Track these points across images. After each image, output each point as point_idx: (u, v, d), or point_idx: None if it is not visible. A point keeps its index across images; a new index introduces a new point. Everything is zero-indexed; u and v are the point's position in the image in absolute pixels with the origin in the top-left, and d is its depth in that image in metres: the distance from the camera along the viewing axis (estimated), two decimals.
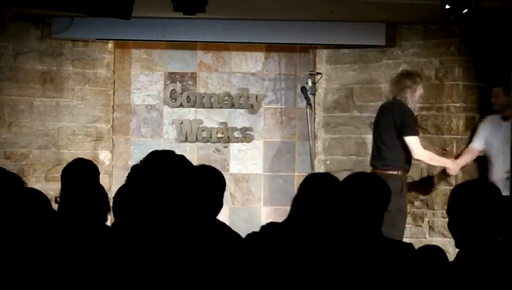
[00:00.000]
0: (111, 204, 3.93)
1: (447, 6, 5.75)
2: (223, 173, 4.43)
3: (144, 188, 2.33)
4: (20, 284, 2.91)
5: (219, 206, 4.26)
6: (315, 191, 3.87)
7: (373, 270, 3.35)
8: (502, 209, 3.17)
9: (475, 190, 3.20)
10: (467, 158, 7.09)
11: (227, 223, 4.45)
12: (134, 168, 2.37)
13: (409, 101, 6.71)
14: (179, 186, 2.34)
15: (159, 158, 2.38)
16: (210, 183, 4.21)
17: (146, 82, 7.93)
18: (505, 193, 6.09)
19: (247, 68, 7.97)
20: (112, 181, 7.68)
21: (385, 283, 3.35)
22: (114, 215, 3.30)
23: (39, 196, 3.17)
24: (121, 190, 3.25)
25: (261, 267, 3.50)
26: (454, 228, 3.17)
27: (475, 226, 3.11)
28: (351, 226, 3.47)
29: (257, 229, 4.13)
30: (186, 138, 7.89)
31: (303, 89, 7.13)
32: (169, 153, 2.39)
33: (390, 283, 3.35)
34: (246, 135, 7.94)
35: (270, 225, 3.99)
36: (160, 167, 2.35)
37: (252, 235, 3.96)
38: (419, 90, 6.79)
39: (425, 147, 7.01)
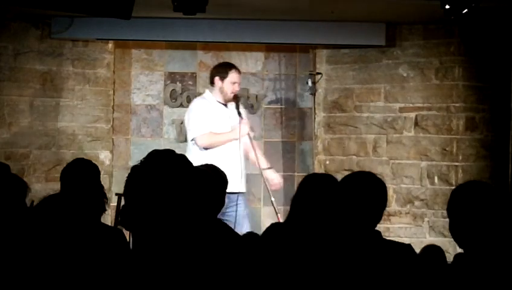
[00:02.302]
0: (112, 203, 3.94)
1: (447, 6, 5.76)
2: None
3: (145, 187, 2.34)
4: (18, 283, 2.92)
5: (220, 205, 4.28)
6: (314, 191, 3.87)
7: (373, 271, 3.36)
8: (505, 211, 3.16)
9: (477, 191, 3.18)
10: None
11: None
12: (135, 168, 2.37)
13: None
14: (179, 186, 2.34)
15: (160, 157, 2.38)
16: (212, 182, 4.22)
17: (146, 82, 7.93)
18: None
19: (247, 68, 7.96)
20: (112, 181, 7.68)
21: (385, 283, 3.35)
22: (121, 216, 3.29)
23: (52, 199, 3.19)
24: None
25: (261, 267, 3.50)
26: (455, 230, 3.16)
27: (477, 228, 3.09)
28: (348, 226, 3.47)
29: (257, 229, 4.14)
30: (186, 138, 7.88)
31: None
32: (170, 153, 2.39)
33: (390, 284, 3.35)
34: None
35: (273, 226, 4.01)
36: (160, 166, 2.35)
37: (249, 235, 3.98)
38: None
39: (425, 147, 7.01)
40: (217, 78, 6.38)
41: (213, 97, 6.41)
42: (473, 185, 3.31)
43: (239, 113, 6.31)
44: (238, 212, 6.20)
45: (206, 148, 6.28)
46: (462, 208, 3.11)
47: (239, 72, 6.51)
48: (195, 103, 6.47)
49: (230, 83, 6.36)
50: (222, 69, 6.46)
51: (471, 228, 3.07)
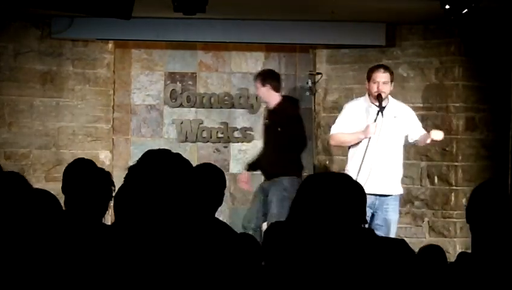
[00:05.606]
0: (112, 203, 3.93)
1: (447, 6, 5.76)
2: None
3: (142, 187, 2.34)
4: (22, 283, 2.92)
5: (218, 203, 4.29)
6: (314, 192, 3.87)
7: (368, 267, 3.36)
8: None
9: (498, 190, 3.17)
10: None
11: (227, 223, 4.46)
12: (132, 168, 2.38)
13: None
14: (176, 184, 2.34)
15: (155, 157, 2.38)
16: (210, 180, 4.23)
17: (146, 82, 7.93)
18: None
19: (247, 68, 7.97)
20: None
21: (381, 279, 3.35)
22: (115, 215, 3.30)
23: (48, 197, 3.19)
24: (121, 190, 3.25)
25: (258, 266, 3.51)
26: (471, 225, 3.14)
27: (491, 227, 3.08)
28: (338, 225, 3.48)
29: None
30: (186, 138, 7.89)
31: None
32: (165, 152, 2.40)
33: (386, 279, 3.35)
34: (246, 135, 7.94)
35: (274, 225, 4.01)
36: (157, 165, 2.36)
37: (245, 235, 3.98)
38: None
39: (424, 147, 7.02)
40: (366, 82, 6.49)
41: (368, 99, 6.47)
42: (493, 183, 3.30)
43: (378, 112, 6.34)
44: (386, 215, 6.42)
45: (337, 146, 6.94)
46: (483, 205, 3.09)
47: (383, 70, 6.48)
48: (345, 105, 6.68)
49: (373, 82, 6.43)
50: (369, 71, 6.54)
51: (488, 227, 3.06)
